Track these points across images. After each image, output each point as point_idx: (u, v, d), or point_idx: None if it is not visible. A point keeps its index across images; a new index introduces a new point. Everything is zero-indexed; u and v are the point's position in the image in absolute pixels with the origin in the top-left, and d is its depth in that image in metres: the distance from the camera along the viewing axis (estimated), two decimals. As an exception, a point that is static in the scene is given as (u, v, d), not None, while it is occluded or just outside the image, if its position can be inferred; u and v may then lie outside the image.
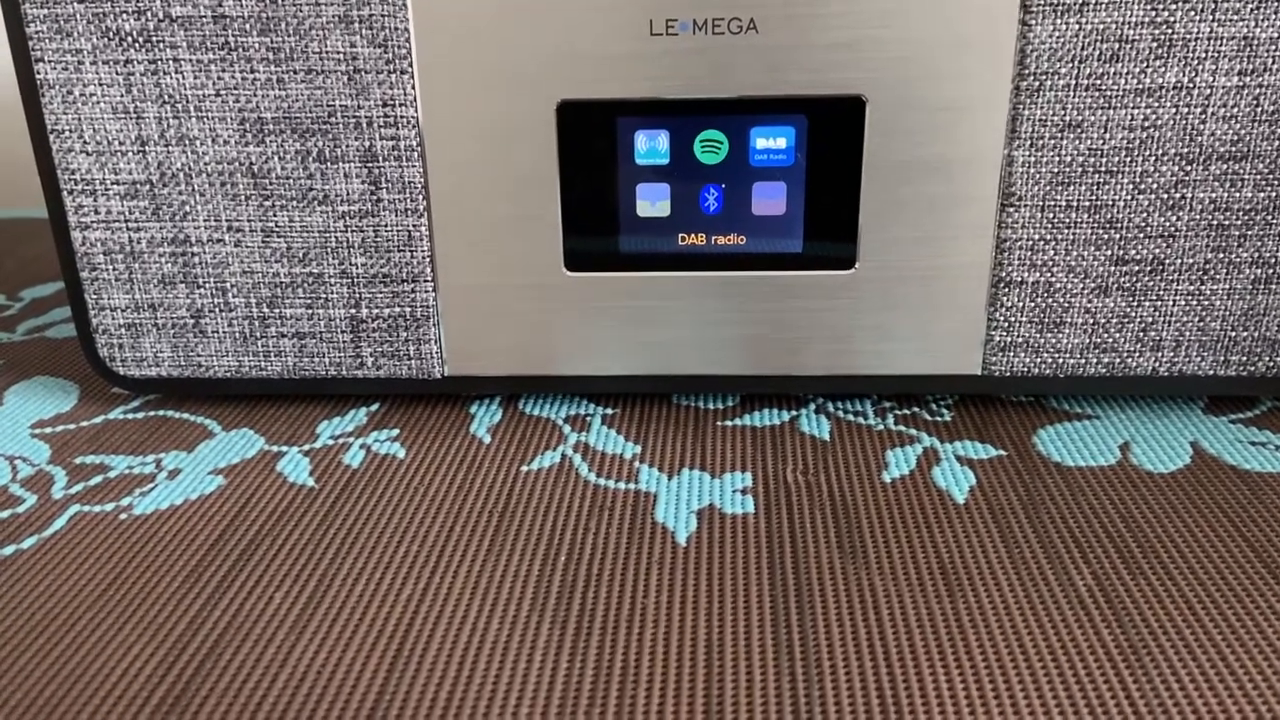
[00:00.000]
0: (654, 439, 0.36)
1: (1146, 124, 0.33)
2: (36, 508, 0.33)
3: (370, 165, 0.35)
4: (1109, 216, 0.34)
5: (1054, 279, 0.35)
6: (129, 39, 0.34)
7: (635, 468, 0.35)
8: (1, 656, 0.26)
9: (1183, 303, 0.35)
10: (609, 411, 0.39)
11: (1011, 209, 0.34)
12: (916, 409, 0.38)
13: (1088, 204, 0.34)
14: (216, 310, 0.37)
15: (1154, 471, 0.34)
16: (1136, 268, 0.35)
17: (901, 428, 0.37)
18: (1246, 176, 0.33)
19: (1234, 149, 0.33)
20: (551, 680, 0.25)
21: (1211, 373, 0.36)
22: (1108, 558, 0.29)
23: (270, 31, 0.33)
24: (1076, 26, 0.32)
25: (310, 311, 0.37)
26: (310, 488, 0.34)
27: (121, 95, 0.34)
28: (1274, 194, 0.34)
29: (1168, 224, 0.34)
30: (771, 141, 0.34)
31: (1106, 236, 0.34)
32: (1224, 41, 0.32)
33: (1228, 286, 0.35)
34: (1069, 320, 0.36)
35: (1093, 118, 0.33)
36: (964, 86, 0.33)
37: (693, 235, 0.36)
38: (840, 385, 0.37)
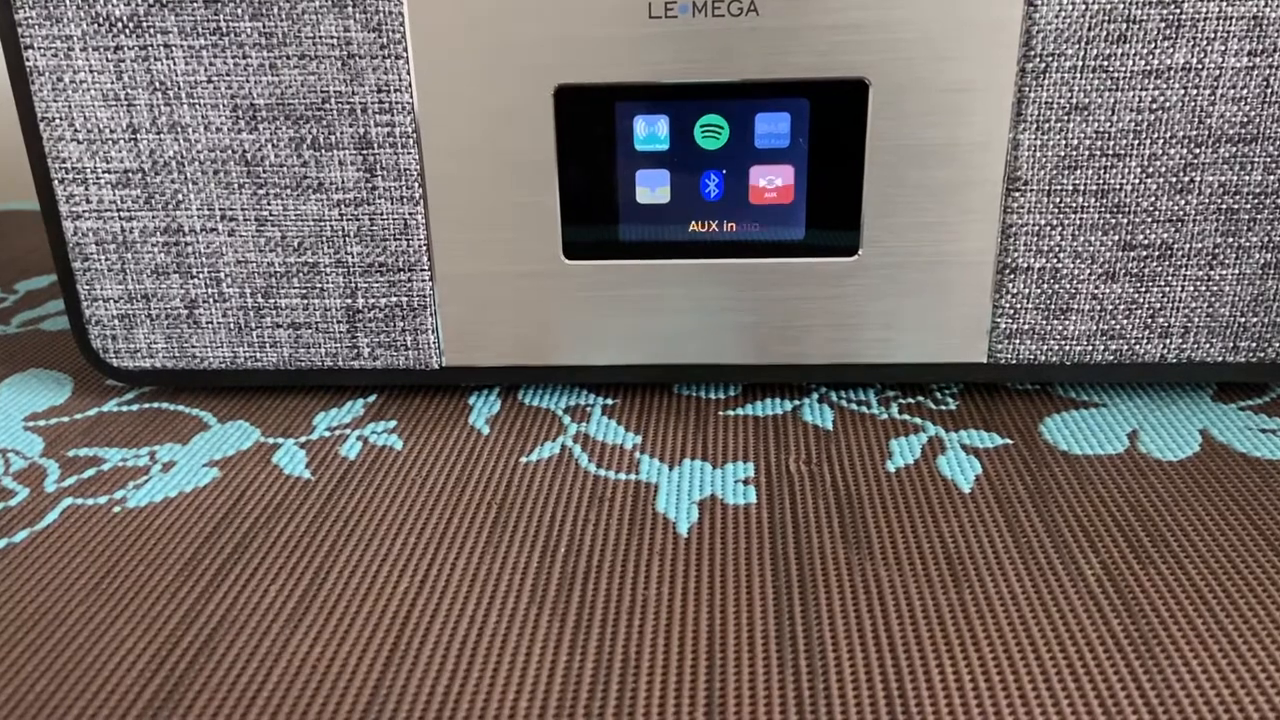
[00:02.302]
0: (655, 429, 0.36)
1: (1154, 106, 0.33)
2: (29, 501, 0.32)
3: (365, 152, 0.34)
4: (1116, 201, 0.34)
5: (1060, 265, 0.35)
6: (119, 25, 0.33)
7: (636, 458, 0.34)
8: (-8, 652, 0.26)
9: (1191, 288, 0.35)
10: (609, 401, 0.38)
11: (1017, 193, 0.34)
12: (921, 397, 0.38)
13: (1095, 188, 0.34)
14: (210, 301, 0.36)
15: (1163, 459, 0.33)
16: (1144, 253, 0.34)
17: (906, 416, 0.36)
18: (1256, 159, 0.33)
19: (1243, 131, 0.33)
20: (551, 673, 0.25)
21: (1220, 359, 0.35)
22: (1116, 547, 0.29)
23: (262, 16, 0.33)
24: (1083, 7, 0.32)
25: (305, 301, 0.36)
26: (306, 480, 0.33)
27: (112, 82, 0.34)
28: (1284, 177, 0.33)
29: (1176, 208, 0.34)
30: (773, 126, 0.34)
31: (1114, 221, 0.34)
32: (1233, 21, 0.31)
33: (1237, 271, 0.34)
34: (1076, 306, 0.35)
35: (1100, 100, 0.33)
36: (968, 69, 0.32)
37: (693, 222, 0.35)
38: (843, 374, 0.37)
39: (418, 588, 0.28)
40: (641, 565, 0.29)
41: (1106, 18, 0.32)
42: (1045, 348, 0.36)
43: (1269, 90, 0.32)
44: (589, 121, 0.34)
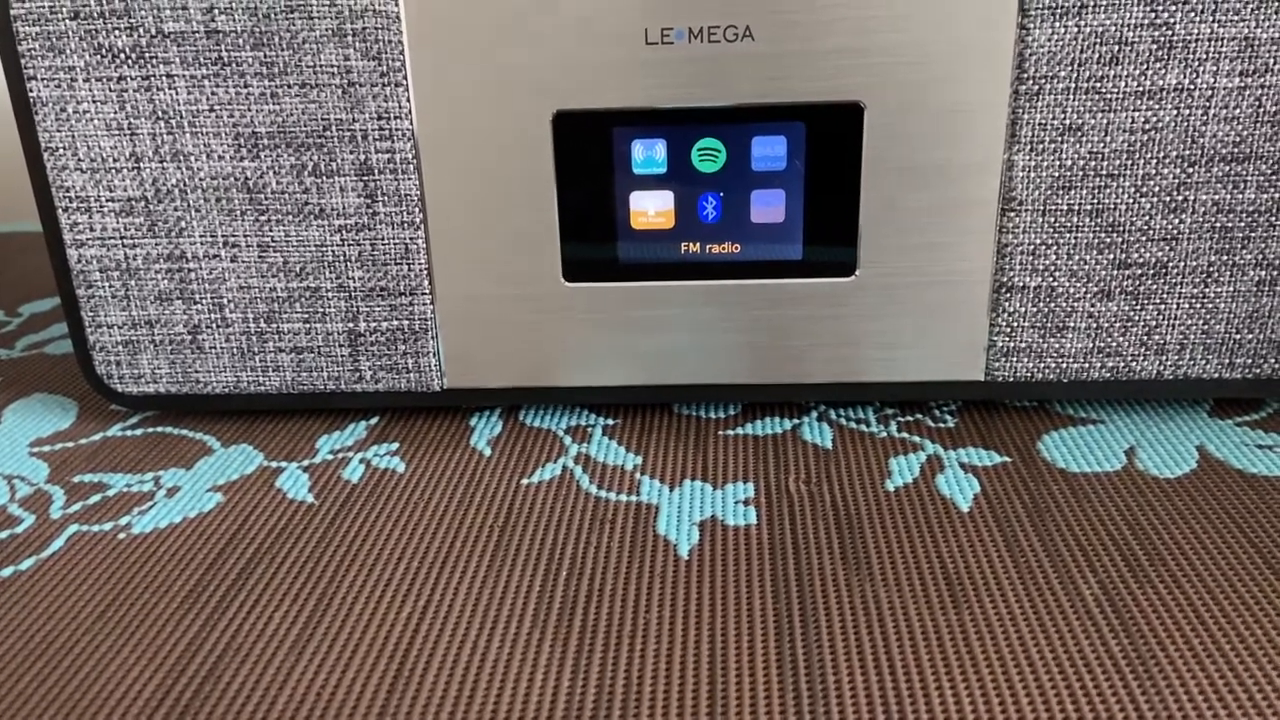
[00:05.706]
0: (655, 449, 0.36)
1: (1147, 126, 0.33)
2: (35, 528, 0.33)
3: (366, 178, 0.35)
4: (1111, 220, 0.34)
5: (1056, 283, 0.35)
6: (121, 55, 0.33)
7: (636, 479, 0.34)
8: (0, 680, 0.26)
9: (1186, 306, 0.35)
10: (610, 422, 0.38)
11: (1012, 214, 0.34)
12: (919, 415, 0.38)
13: (1089, 208, 0.34)
14: (214, 326, 0.37)
15: (1160, 476, 0.33)
16: (1139, 271, 0.34)
17: (905, 435, 0.37)
18: (1249, 178, 0.33)
19: (1236, 150, 0.33)
20: (554, 698, 0.25)
21: (1216, 376, 0.36)
22: (1114, 565, 0.29)
23: (263, 46, 0.33)
24: (1075, 29, 0.32)
25: (308, 326, 0.36)
26: (310, 504, 0.34)
27: (115, 112, 0.34)
28: (1277, 195, 0.33)
29: (1170, 227, 0.34)
30: (770, 149, 0.34)
31: (1109, 240, 0.34)
32: (1224, 42, 0.32)
33: (1231, 289, 0.34)
34: (1072, 325, 0.35)
35: (1093, 121, 0.33)
36: (963, 91, 0.33)
37: (691, 244, 0.35)
38: (842, 392, 0.37)
39: (420, 613, 0.28)
40: (643, 589, 0.29)
41: (1099, 40, 0.32)
42: (1042, 365, 0.36)
43: (1260, 110, 0.32)
44: (587, 146, 0.34)
